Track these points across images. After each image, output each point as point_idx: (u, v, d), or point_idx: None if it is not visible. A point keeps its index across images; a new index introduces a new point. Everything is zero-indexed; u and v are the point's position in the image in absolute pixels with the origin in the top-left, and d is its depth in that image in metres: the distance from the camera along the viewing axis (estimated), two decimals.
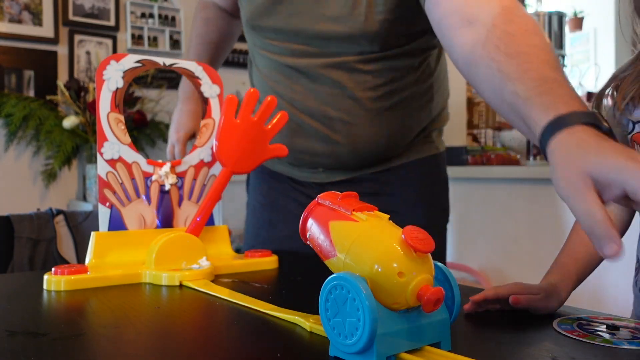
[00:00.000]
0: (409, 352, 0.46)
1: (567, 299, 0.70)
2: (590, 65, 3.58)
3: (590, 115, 0.51)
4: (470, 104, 2.46)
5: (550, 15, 2.77)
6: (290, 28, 0.99)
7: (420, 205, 1.10)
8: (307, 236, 0.55)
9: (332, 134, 1.03)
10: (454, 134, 2.31)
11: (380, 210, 0.52)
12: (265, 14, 1.01)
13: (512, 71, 0.62)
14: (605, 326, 0.59)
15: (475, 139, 2.41)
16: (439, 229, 1.15)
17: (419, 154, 1.11)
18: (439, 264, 0.51)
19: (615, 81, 0.72)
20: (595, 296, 1.98)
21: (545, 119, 0.53)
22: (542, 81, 0.58)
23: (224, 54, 1.33)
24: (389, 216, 0.50)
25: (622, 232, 0.76)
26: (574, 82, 3.05)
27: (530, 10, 3.04)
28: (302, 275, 0.88)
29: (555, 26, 2.78)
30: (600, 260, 0.74)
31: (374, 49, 0.97)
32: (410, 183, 1.11)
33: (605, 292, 1.95)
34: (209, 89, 0.95)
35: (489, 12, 0.70)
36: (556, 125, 0.52)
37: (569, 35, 3.03)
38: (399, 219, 0.52)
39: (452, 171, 2.20)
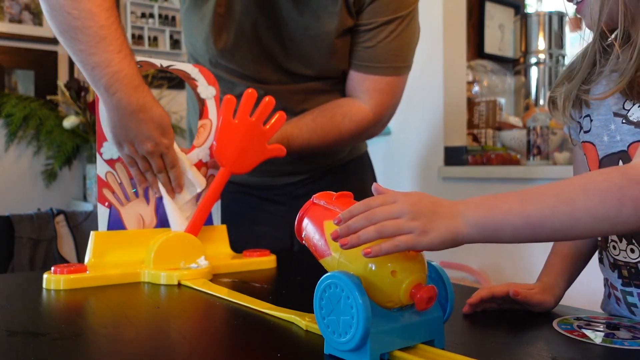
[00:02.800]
0: (402, 349, 0.47)
1: (562, 296, 0.71)
2: None
3: None
4: (470, 103, 2.46)
5: (550, 15, 2.77)
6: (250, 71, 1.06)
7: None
8: (303, 235, 0.55)
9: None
10: (454, 133, 2.31)
11: None
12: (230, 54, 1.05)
13: None
14: (605, 326, 0.59)
15: (475, 138, 2.41)
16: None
17: (354, 151, 1.22)
18: (433, 263, 0.51)
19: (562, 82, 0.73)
20: (595, 296, 1.98)
21: None
22: None
23: None
24: None
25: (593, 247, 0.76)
26: None
27: (530, 10, 3.05)
28: (299, 274, 0.88)
29: (555, 26, 2.79)
30: (588, 254, 0.75)
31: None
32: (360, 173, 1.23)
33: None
34: (205, 90, 0.96)
35: None
36: None
37: (569, 35, 3.03)
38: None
39: (452, 171, 2.21)
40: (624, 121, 0.64)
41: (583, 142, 0.70)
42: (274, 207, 1.14)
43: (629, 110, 0.63)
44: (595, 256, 0.76)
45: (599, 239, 0.72)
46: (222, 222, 0.96)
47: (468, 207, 0.49)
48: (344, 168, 1.20)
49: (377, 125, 1.10)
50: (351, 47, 1.06)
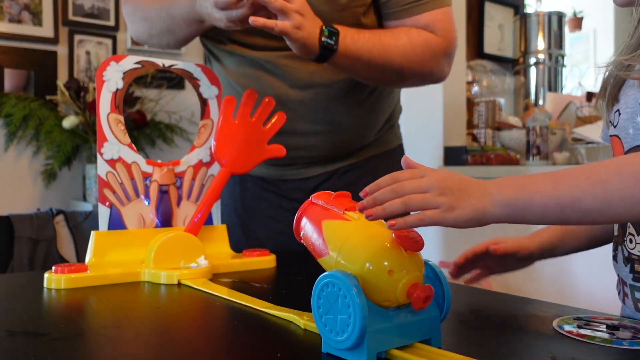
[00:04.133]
0: (399, 348, 0.47)
1: (548, 249, 0.70)
2: (589, 65, 3.58)
3: None
4: (470, 103, 2.46)
5: (549, 15, 2.78)
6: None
7: None
8: (301, 235, 0.56)
9: (308, 124, 1.04)
10: (453, 133, 2.32)
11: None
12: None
13: None
14: (605, 326, 0.59)
15: (474, 138, 2.42)
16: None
17: (386, 146, 1.16)
18: (430, 262, 0.52)
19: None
20: (595, 296, 1.98)
21: None
22: None
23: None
24: None
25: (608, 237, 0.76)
26: (573, 82, 3.05)
27: (529, 10, 3.05)
28: (298, 273, 0.89)
29: (555, 26, 2.79)
30: (594, 238, 0.75)
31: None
32: (383, 172, 1.12)
33: (605, 292, 1.96)
34: (208, 90, 0.96)
35: None
36: None
37: (568, 35, 3.04)
38: None
39: None
40: None
41: (611, 136, 0.69)
42: (293, 205, 1.11)
43: None
44: (596, 256, 0.76)
45: (615, 234, 0.72)
46: (241, 218, 0.96)
47: (497, 186, 0.48)
48: (370, 163, 1.13)
49: (446, 51, 1.00)
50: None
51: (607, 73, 0.69)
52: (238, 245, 1.01)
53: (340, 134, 1.07)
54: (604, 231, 0.75)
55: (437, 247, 2.17)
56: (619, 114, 0.68)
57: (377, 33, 0.96)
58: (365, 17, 1.01)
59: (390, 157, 1.15)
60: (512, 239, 0.69)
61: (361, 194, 0.49)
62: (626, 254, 0.68)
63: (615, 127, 0.69)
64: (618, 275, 0.72)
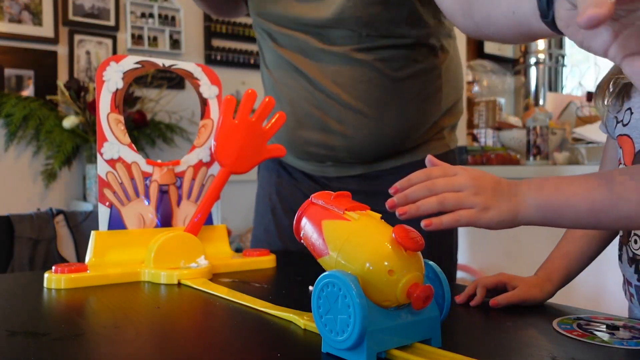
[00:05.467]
0: (399, 348, 0.47)
1: (555, 292, 0.70)
2: (590, 65, 3.58)
3: None
4: (470, 103, 2.46)
5: None
6: (288, 15, 1.01)
7: None
8: (301, 235, 0.56)
9: (340, 125, 1.02)
10: None
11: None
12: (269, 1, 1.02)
13: None
14: (605, 326, 0.59)
15: (475, 138, 2.42)
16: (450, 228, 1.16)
17: (430, 151, 1.09)
18: (430, 262, 0.52)
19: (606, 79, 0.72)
20: (595, 296, 1.98)
21: None
22: None
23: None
24: (380, 215, 0.51)
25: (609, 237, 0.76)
26: (574, 82, 3.05)
27: None
28: (299, 274, 0.89)
29: None
30: (591, 256, 0.75)
31: (367, 36, 0.98)
32: None
33: (605, 292, 1.96)
34: (208, 90, 0.96)
35: None
36: None
37: None
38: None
39: None
40: None
41: (619, 135, 0.68)
42: None
43: None
44: (600, 257, 0.76)
45: (620, 234, 0.71)
46: (274, 204, 0.97)
47: (530, 188, 0.48)
48: (415, 169, 1.11)
49: None
50: None
51: (613, 69, 0.69)
52: (267, 232, 1.02)
53: (381, 123, 1.02)
54: (601, 246, 0.75)
55: None
56: (631, 112, 0.66)
57: None
58: None
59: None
60: (522, 284, 0.68)
61: (391, 191, 0.47)
62: (631, 254, 0.68)
63: (625, 125, 0.67)
64: (624, 276, 0.71)
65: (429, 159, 0.51)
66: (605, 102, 0.70)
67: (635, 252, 0.67)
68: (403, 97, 1.03)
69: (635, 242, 0.67)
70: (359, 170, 1.08)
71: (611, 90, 0.69)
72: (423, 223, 0.44)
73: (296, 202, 1.12)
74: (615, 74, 0.69)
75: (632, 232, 0.67)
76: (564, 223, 0.48)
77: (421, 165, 1.08)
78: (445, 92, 1.10)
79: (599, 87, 0.72)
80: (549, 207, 0.47)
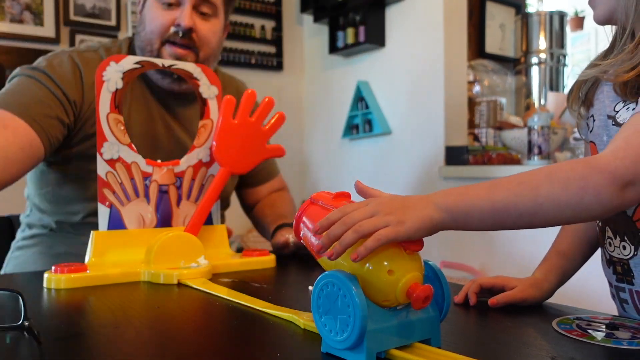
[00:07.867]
0: (398, 348, 0.47)
1: (553, 291, 0.71)
2: None
3: None
4: (471, 103, 2.46)
5: (551, 14, 2.77)
6: None
7: None
8: (301, 235, 0.55)
9: None
10: (454, 133, 2.32)
11: None
12: None
13: None
14: (604, 326, 0.59)
15: (476, 138, 2.41)
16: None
17: None
18: (430, 262, 0.52)
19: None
20: (595, 296, 1.98)
21: None
22: None
23: None
24: None
25: (594, 246, 0.77)
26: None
27: (531, 9, 3.04)
28: (298, 274, 0.88)
29: (557, 26, 2.78)
30: (587, 253, 0.76)
31: None
32: None
33: (605, 293, 1.96)
34: (207, 90, 0.96)
35: None
36: None
37: (570, 34, 3.03)
38: None
39: (453, 171, 2.21)
40: (613, 123, 0.64)
41: (590, 141, 0.71)
42: None
43: (617, 112, 0.64)
44: (596, 256, 0.76)
45: (599, 237, 0.73)
46: None
47: (438, 195, 0.52)
48: None
49: None
50: None
51: (581, 77, 0.70)
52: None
53: None
54: (593, 244, 0.76)
55: (437, 247, 2.16)
56: (594, 120, 0.69)
57: None
58: None
59: None
60: (520, 284, 0.69)
61: (312, 233, 0.51)
62: (608, 256, 0.69)
63: (591, 132, 0.70)
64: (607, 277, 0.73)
65: (357, 184, 0.54)
66: (575, 108, 0.72)
67: (611, 253, 0.68)
68: None
69: (610, 244, 0.68)
70: None
71: (580, 96, 0.71)
72: (351, 257, 0.46)
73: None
74: (581, 81, 0.70)
75: (606, 234, 0.69)
76: (473, 224, 0.51)
77: None
78: None
79: (569, 93, 0.74)
80: (457, 209, 0.51)
